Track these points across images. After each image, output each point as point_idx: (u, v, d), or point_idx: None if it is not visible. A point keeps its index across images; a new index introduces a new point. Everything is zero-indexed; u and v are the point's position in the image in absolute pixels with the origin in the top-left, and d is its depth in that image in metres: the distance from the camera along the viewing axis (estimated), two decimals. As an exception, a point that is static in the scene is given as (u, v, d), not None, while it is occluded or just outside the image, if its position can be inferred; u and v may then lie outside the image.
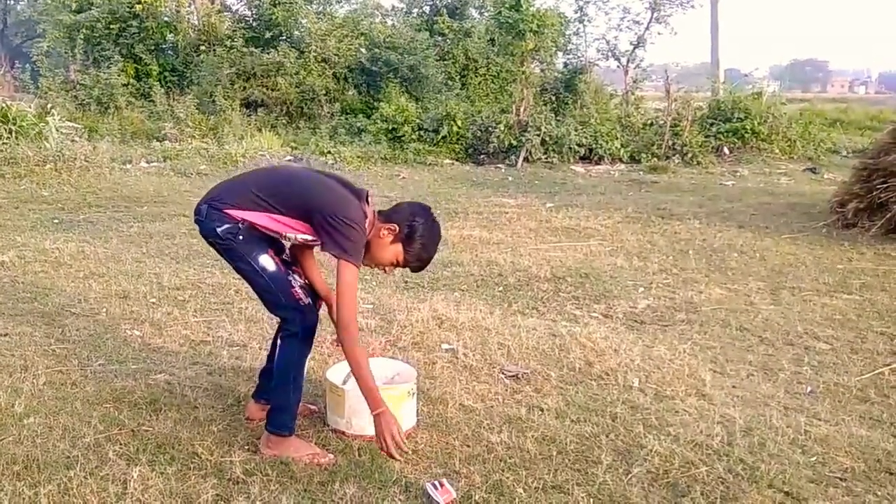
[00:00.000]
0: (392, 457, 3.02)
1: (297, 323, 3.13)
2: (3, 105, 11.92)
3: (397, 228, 3.15)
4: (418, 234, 3.16)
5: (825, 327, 5.21)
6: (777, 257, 7.15)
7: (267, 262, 3.12)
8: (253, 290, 3.26)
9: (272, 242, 3.18)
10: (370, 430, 3.30)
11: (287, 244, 3.23)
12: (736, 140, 15.18)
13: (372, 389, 3.05)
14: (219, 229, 3.08)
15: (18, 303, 5.23)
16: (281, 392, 3.22)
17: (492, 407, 3.74)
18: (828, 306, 5.69)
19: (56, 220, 8.20)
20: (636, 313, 5.44)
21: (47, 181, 10.23)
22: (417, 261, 3.23)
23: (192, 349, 4.46)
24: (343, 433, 3.39)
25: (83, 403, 3.62)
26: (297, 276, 3.22)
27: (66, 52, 19.10)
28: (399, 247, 3.17)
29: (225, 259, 3.23)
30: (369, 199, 3.20)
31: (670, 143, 14.70)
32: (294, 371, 3.20)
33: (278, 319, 3.31)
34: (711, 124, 15.50)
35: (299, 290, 3.16)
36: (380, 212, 3.24)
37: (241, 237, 3.08)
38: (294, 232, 3.11)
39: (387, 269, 3.27)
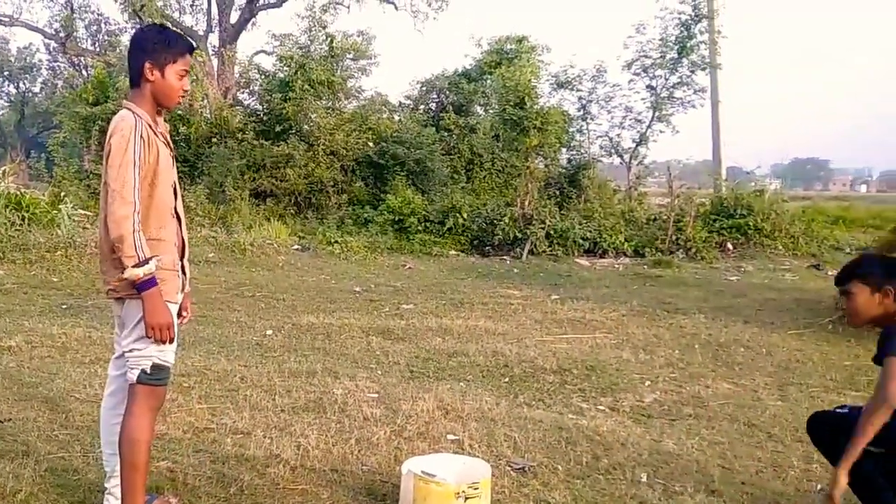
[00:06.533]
0: None
1: None
2: (17, 193, 12.12)
3: None
4: None
5: (834, 424, 5.15)
6: (783, 353, 7.13)
7: None
8: None
9: None
10: None
11: None
12: (739, 236, 15.31)
13: None
14: None
15: (23, 387, 5.21)
16: None
17: (498, 500, 3.69)
18: (836, 403, 5.62)
19: (64, 306, 8.23)
20: (643, 407, 5.40)
21: (57, 267, 10.31)
22: None
23: (196, 436, 4.42)
24: None
25: (85, 490, 3.58)
26: None
27: (80, 143, 19.51)
28: None
29: None
30: None
31: (674, 237, 14.83)
32: None
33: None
34: (714, 220, 15.66)
35: None
36: None
37: None
38: None
39: None
